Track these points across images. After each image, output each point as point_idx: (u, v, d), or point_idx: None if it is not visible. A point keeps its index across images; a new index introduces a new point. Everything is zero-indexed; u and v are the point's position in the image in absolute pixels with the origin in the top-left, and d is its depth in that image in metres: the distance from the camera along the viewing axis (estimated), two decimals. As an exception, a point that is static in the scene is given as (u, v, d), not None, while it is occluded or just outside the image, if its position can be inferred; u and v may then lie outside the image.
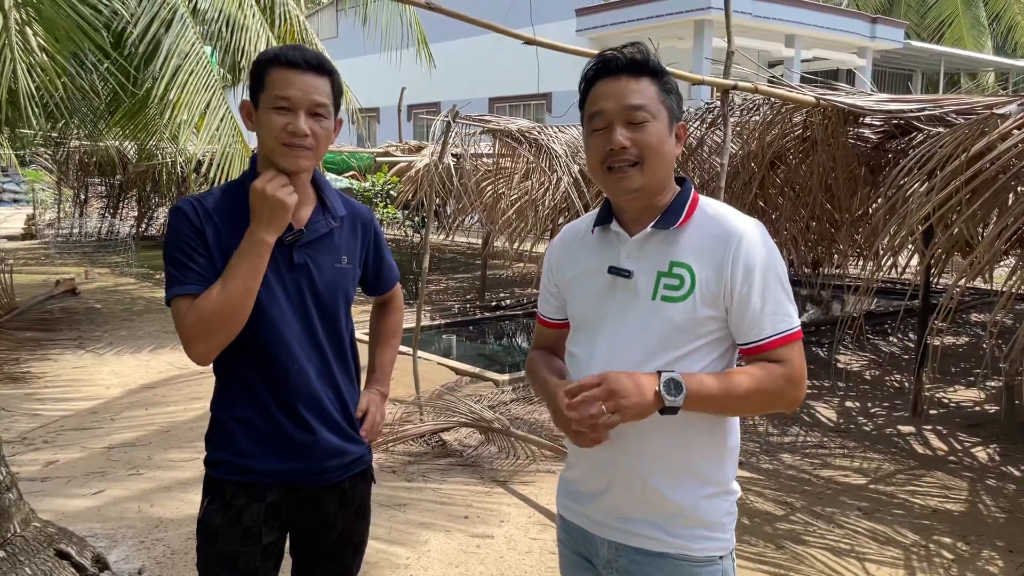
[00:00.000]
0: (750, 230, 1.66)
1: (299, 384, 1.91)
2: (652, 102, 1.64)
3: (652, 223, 1.68)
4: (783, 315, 1.64)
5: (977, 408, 6.14)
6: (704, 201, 1.74)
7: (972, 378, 6.81)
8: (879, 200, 5.42)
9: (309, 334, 1.94)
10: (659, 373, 1.57)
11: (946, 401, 6.27)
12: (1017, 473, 4.78)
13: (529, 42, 3.05)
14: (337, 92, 1.90)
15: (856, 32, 18.45)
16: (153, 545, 3.75)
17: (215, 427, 1.96)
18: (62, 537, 3.11)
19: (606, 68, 1.66)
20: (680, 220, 1.67)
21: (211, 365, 1.94)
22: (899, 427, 5.63)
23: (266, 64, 1.85)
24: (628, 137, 1.62)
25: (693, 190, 1.75)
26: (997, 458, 5.02)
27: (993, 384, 6.74)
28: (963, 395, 6.43)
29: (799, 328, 1.66)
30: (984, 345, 7.57)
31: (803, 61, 18.87)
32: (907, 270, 4.99)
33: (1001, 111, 3.45)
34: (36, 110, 4.93)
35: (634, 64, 1.64)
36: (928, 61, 21.72)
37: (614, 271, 1.71)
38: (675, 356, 1.64)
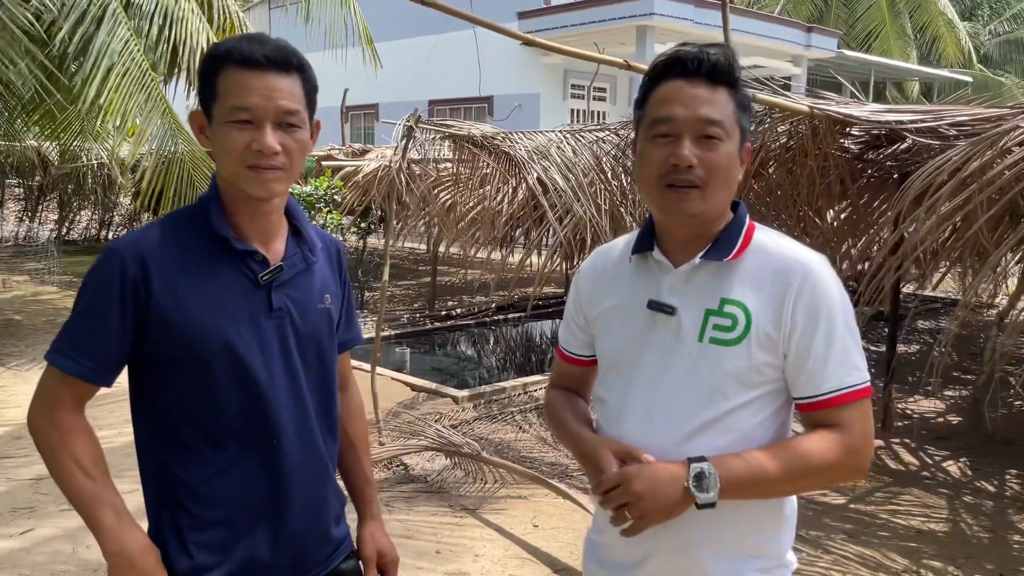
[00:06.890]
0: (817, 265, 1.45)
1: (286, 465, 1.55)
2: (728, 118, 1.42)
3: (701, 253, 1.46)
4: (850, 367, 1.42)
5: (940, 419, 6.14)
6: (761, 230, 1.53)
7: (928, 387, 6.82)
8: (854, 212, 5.34)
9: (295, 398, 1.56)
10: (688, 463, 1.37)
11: (908, 412, 6.25)
12: (991, 488, 4.74)
13: (528, 43, 2.81)
14: (311, 90, 1.54)
15: (793, 41, 18.79)
16: (92, 595, 3.38)
17: (162, 526, 1.57)
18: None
19: (684, 68, 1.43)
20: (735, 251, 1.46)
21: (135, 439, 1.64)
22: (868, 441, 5.56)
23: (217, 63, 1.45)
24: (697, 154, 1.40)
25: (748, 216, 1.54)
26: (969, 472, 4.98)
27: (951, 394, 6.77)
28: (924, 405, 6.42)
29: (868, 384, 1.44)
30: (935, 352, 7.62)
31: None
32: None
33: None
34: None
35: (716, 71, 1.42)
36: (858, 70, 22.26)
37: (655, 306, 1.48)
38: (726, 409, 1.43)
